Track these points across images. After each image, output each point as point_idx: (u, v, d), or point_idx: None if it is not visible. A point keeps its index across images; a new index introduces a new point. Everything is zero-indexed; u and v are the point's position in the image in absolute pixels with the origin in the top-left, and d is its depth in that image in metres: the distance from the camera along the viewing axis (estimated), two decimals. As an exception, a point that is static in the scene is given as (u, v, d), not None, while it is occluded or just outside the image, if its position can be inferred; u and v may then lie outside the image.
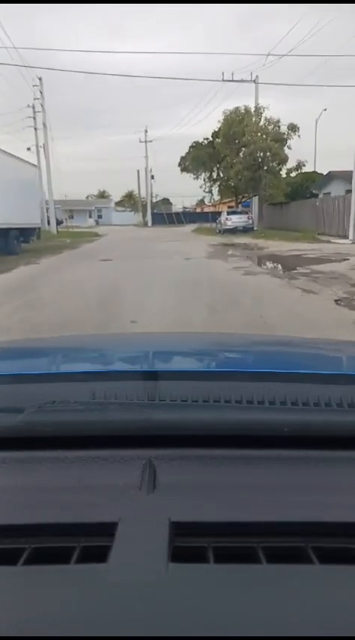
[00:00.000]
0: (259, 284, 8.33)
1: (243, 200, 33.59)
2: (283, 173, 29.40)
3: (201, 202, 65.93)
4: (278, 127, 28.12)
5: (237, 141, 28.48)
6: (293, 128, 28.19)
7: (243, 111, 29.09)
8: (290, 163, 29.17)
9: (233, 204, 35.45)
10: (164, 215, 56.21)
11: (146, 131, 53.24)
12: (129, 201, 67.42)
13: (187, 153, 37.47)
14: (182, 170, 38.45)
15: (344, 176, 23.48)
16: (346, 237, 19.50)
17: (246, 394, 0.72)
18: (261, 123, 28.32)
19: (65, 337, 2.25)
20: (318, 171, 31.36)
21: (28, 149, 31.56)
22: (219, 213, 33.69)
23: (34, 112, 31.91)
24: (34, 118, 32.04)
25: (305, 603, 0.42)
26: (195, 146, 36.38)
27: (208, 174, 36.20)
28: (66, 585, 0.45)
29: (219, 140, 30.42)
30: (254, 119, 28.35)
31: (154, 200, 62.20)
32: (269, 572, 0.48)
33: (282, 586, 0.45)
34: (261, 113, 28.56)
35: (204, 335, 2.46)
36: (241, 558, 0.49)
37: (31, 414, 0.67)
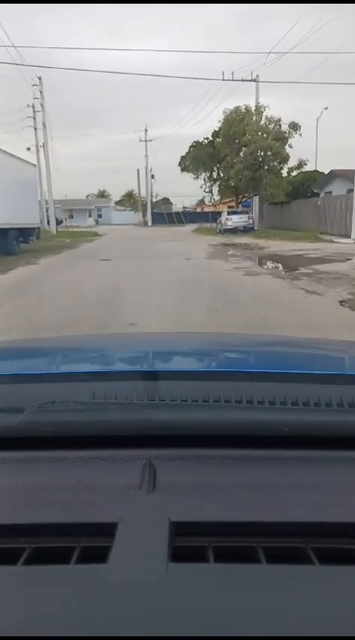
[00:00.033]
0: (261, 285, 8.25)
1: (244, 200, 33.54)
2: (284, 172, 29.33)
3: (202, 202, 65.89)
4: (280, 125, 28.03)
5: (237, 140, 28.40)
6: (294, 127, 28.09)
7: (243, 110, 28.99)
8: (292, 162, 29.15)
9: (233, 203, 35.42)
10: (164, 215, 56.17)
11: (146, 130, 53.32)
12: (129, 200, 67.39)
13: (187, 152, 37.44)
14: (182, 170, 38.42)
15: (346, 175, 23.47)
16: (348, 236, 19.48)
17: (246, 394, 0.72)
18: (262, 122, 28.21)
19: (65, 337, 2.25)
20: (319, 170, 31.30)
21: (28, 149, 31.60)
22: (220, 213, 33.68)
23: (34, 112, 31.93)
24: (34, 118, 32.06)
25: (305, 603, 0.42)
26: (196, 146, 36.33)
27: (208, 174, 36.16)
28: (66, 585, 0.45)
29: (220, 139, 30.34)
30: (254, 118, 28.24)
31: (154, 200, 62.19)
32: (269, 572, 0.48)
33: (282, 586, 0.45)
34: (262, 112, 28.44)
35: (204, 335, 2.46)
36: (241, 558, 0.49)
37: (31, 414, 0.67)
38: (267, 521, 0.53)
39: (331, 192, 25.23)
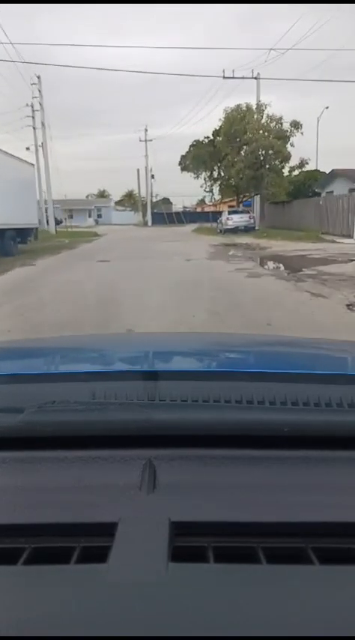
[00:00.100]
0: (264, 287, 8.09)
1: (245, 199, 33.50)
2: (285, 171, 29.19)
3: (202, 202, 65.95)
4: (281, 124, 27.87)
5: (238, 139, 28.26)
6: (295, 125, 27.93)
7: (244, 108, 28.80)
8: (293, 161, 29.00)
9: (234, 203, 35.41)
10: (164, 215, 56.13)
11: (146, 130, 53.31)
12: (129, 200, 67.38)
13: (188, 152, 37.45)
14: (182, 169, 38.45)
15: (347, 174, 23.45)
16: (350, 236, 19.42)
17: (246, 394, 0.72)
18: (263, 120, 28.04)
19: (65, 337, 2.25)
20: (320, 170, 31.25)
21: (27, 149, 31.58)
22: (220, 213, 33.62)
23: (33, 111, 31.92)
24: (33, 117, 32.05)
25: (305, 603, 0.42)
26: (196, 145, 36.33)
27: (209, 174, 36.18)
28: (66, 585, 0.45)
29: (220, 138, 30.27)
30: (256, 116, 28.05)
31: (154, 199, 62.20)
32: (269, 572, 0.48)
33: (282, 586, 0.45)
34: (263, 110, 28.25)
35: (204, 335, 2.46)
36: (241, 558, 0.49)
37: (31, 414, 0.67)
38: (267, 522, 0.53)
39: (332, 191, 25.17)
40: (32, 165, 20.62)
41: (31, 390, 0.80)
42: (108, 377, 0.90)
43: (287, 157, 28.12)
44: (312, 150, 45.36)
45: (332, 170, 26.62)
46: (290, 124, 27.97)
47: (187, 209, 67.11)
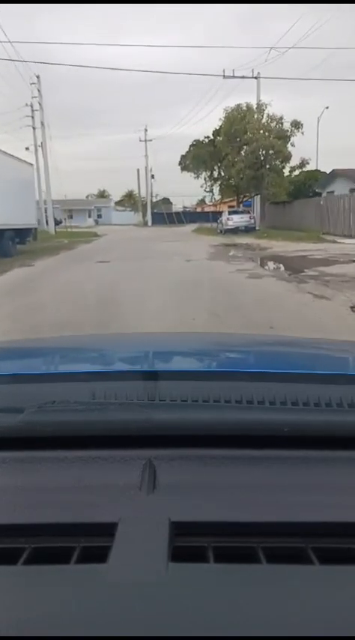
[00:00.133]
0: (265, 288, 8.00)
1: (245, 199, 33.47)
2: (286, 171, 29.13)
3: (202, 202, 65.93)
4: (281, 123, 27.81)
5: (238, 139, 28.21)
6: (296, 125, 27.88)
7: (244, 108, 28.73)
8: (294, 161, 28.94)
9: (234, 203, 35.38)
10: (164, 215, 56.12)
11: (146, 130, 53.36)
12: (129, 200, 67.39)
13: (188, 152, 37.42)
14: (182, 169, 38.41)
15: (348, 174, 23.44)
16: (351, 236, 19.40)
17: (246, 394, 0.72)
18: (264, 120, 27.97)
19: (65, 337, 2.25)
20: (321, 170, 31.22)
21: (27, 148, 31.58)
22: (220, 213, 33.60)
23: (32, 111, 31.91)
24: (32, 117, 32.05)
25: (305, 603, 0.42)
26: (196, 145, 36.30)
27: (209, 174, 36.14)
28: (66, 585, 0.45)
29: (220, 138, 30.22)
30: (256, 116, 27.97)
31: (154, 200, 62.20)
32: (269, 572, 0.48)
33: (282, 586, 0.45)
34: (263, 110, 28.17)
35: (204, 335, 2.46)
36: (241, 558, 0.49)
37: (31, 414, 0.67)
38: (267, 522, 0.53)
39: (333, 191, 25.18)
40: (31, 165, 20.60)
41: (31, 390, 0.80)
42: (108, 377, 0.90)
43: (287, 157, 28.06)
44: (313, 150, 45.39)
45: (333, 170, 26.62)
46: (291, 124, 27.94)
47: (187, 209, 67.11)
